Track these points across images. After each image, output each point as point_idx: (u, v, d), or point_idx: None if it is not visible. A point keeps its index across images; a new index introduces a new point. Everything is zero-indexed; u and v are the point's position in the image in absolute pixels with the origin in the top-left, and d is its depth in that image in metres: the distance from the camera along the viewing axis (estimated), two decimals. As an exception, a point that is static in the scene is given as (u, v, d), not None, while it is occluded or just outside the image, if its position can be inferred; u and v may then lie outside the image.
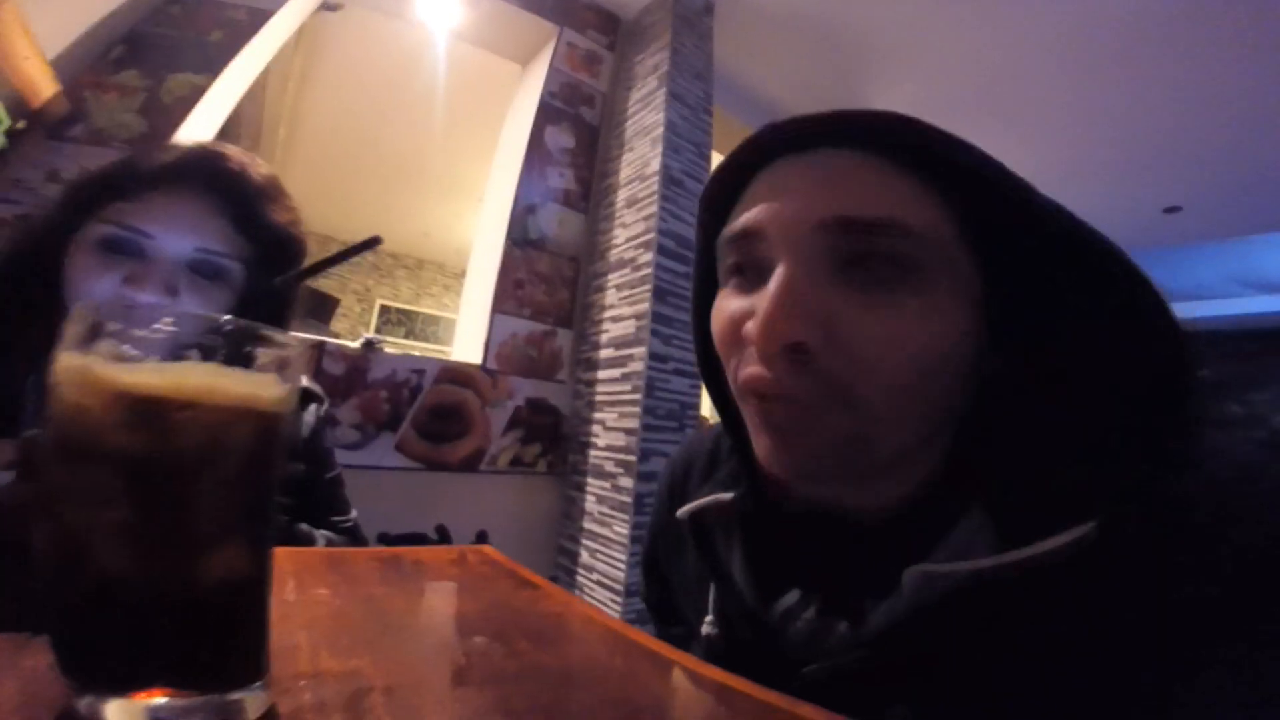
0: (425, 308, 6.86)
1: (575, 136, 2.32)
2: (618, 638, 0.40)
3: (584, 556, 1.92)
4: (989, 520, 0.33)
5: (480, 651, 0.36)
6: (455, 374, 1.89)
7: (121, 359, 0.24)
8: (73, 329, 0.24)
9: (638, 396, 1.84)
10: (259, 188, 0.72)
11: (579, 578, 1.90)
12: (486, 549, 0.64)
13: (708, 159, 2.19)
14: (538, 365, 2.08)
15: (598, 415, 2.01)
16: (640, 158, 2.14)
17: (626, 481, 1.81)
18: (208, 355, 0.25)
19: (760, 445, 0.38)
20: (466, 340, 2.10)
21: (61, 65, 1.39)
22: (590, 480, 1.97)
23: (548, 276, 2.15)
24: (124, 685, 0.23)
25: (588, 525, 1.94)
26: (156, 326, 0.25)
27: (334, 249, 0.45)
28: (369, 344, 1.78)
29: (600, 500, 1.91)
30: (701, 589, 0.48)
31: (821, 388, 0.34)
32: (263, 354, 0.26)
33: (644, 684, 0.34)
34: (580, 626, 0.43)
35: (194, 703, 0.24)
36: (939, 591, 0.32)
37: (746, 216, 0.38)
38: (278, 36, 1.92)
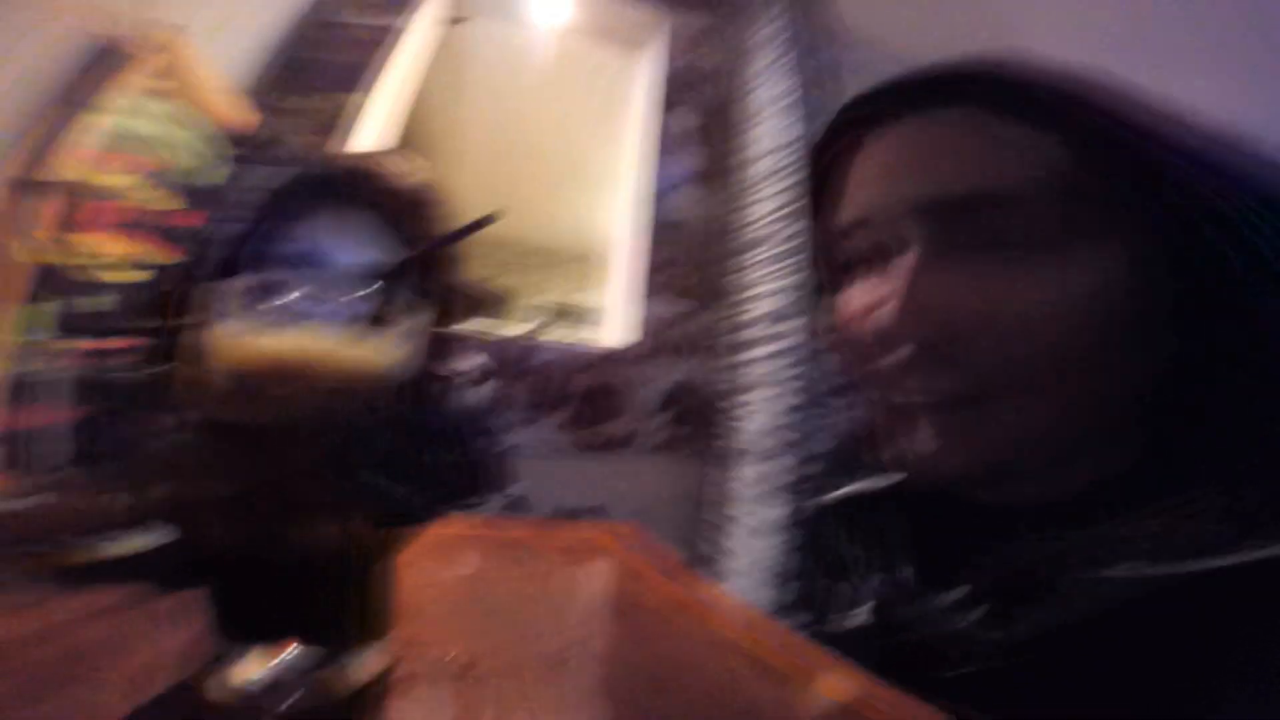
0: (591, 301, 7.24)
1: (699, 116, 2.29)
2: (736, 634, 0.37)
3: (734, 540, 1.89)
4: (1210, 514, 0.29)
5: (599, 634, 0.36)
6: (609, 357, 1.95)
7: (255, 330, 0.25)
8: (216, 305, 0.26)
9: (795, 372, 1.76)
10: (413, 200, 0.78)
11: (727, 563, 1.88)
12: (628, 529, 0.64)
13: None
14: (686, 345, 2.08)
15: (750, 394, 1.96)
16: (773, 128, 2.04)
17: (781, 463, 1.73)
18: (331, 324, 0.26)
19: (888, 444, 0.36)
20: (615, 325, 2.16)
21: (243, 96, 1.62)
22: (741, 462, 1.93)
23: (689, 257, 2.14)
24: (262, 638, 0.25)
25: (737, 509, 1.90)
26: (287, 298, 0.26)
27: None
28: (527, 334, 1.91)
29: (752, 483, 1.86)
30: (855, 578, 0.45)
31: (968, 383, 0.32)
32: (380, 321, 0.27)
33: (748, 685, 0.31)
34: (704, 620, 0.40)
35: (318, 656, 0.25)
36: (1140, 591, 0.29)
37: (846, 210, 0.37)
38: (414, 52, 2.11)
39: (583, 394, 1.90)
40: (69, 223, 1.12)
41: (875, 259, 0.36)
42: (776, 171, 1.98)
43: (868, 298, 0.35)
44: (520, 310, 6.89)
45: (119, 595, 0.30)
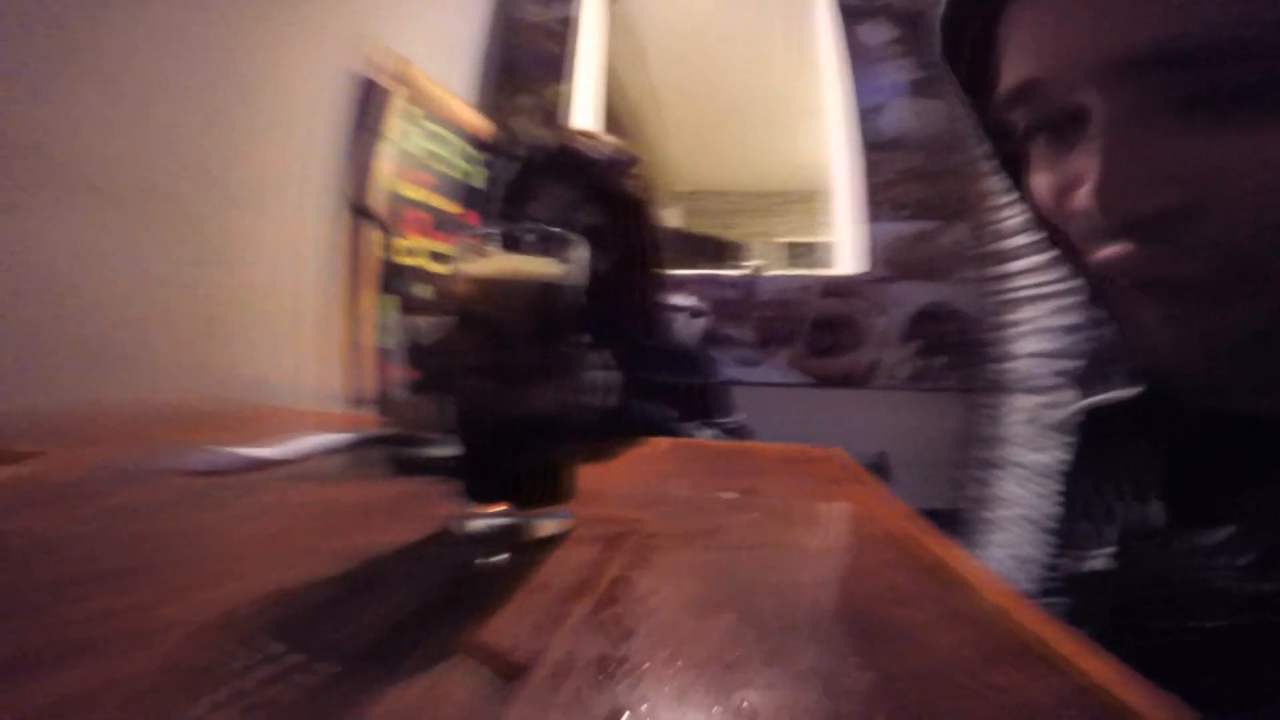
0: (825, 236, 6.89)
1: (894, 26, 1.99)
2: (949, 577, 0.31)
3: (1003, 487, 1.67)
4: None
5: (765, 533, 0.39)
6: (839, 286, 1.88)
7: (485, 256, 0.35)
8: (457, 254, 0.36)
9: (1069, 284, 1.47)
10: (607, 166, 0.88)
11: (994, 512, 1.67)
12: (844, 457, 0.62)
13: None
14: (931, 266, 1.87)
15: (1017, 314, 1.69)
16: None
17: (1065, 395, 1.47)
18: (520, 250, 0.35)
19: (1144, 337, 0.30)
20: (845, 253, 2.05)
21: (476, 105, 1.89)
22: (1013, 396, 1.69)
23: (921, 171, 1.90)
24: (482, 501, 0.34)
25: (1009, 451, 1.67)
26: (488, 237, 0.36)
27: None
28: (755, 269, 1.93)
29: (1030, 420, 1.62)
30: (1098, 512, 0.40)
31: (1212, 259, 0.26)
32: (554, 248, 0.35)
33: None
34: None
35: (518, 516, 0.34)
36: None
37: (1023, 66, 0.30)
38: (592, 32, 2.20)
39: (813, 325, 1.86)
40: (394, 229, 1.48)
41: (1060, 125, 0.30)
42: None
43: (1065, 169, 0.30)
44: (750, 253, 6.89)
45: (431, 481, 0.42)
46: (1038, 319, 1.60)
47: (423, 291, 1.50)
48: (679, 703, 0.18)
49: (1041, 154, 0.32)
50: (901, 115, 1.97)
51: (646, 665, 0.20)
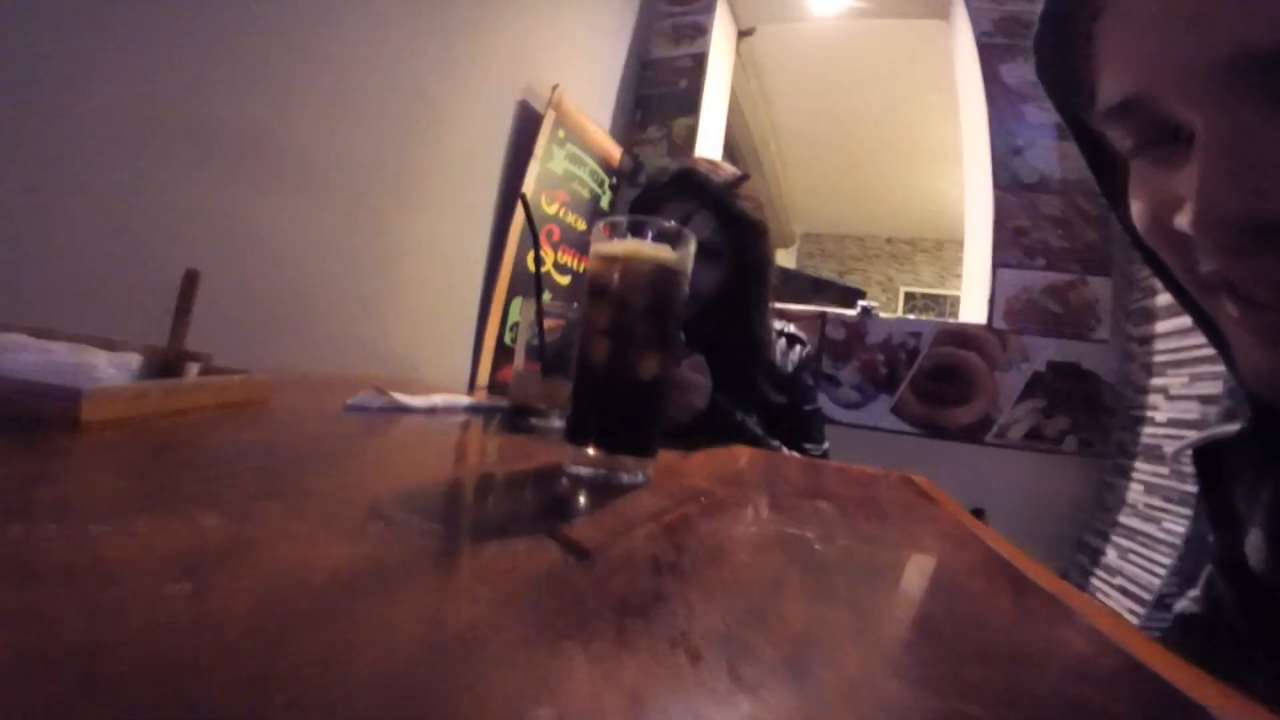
0: (951, 289, 6.52)
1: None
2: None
3: (1110, 556, 1.51)
4: None
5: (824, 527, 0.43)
6: (956, 335, 1.80)
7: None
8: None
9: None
10: (723, 186, 0.95)
11: (1096, 579, 1.51)
12: (924, 481, 0.62)
13: None
14: (1063, 321, 1.75)
15: (1158, 381, 1.54)
16: None
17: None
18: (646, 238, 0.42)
19: (1253, 362, 0.28)
20: (970, 300, 1.96)
21: (612, 133, 2.05)
22: (1139, 464, 1.53)
23: (1061, 218, 1.79)
24: (580, 441, 0.41)
25: (1125, 519, 1.51)
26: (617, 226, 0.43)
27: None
28: (865, 310, 1.90)
29: (1149, 490, 1.46)
30: (1190, 550, 0.40)
31: None
32: (669, 238, 0.42)
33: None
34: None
35: (607, 458, 0.40)
36: None
37: (1118, 84, 0.29)
38: (720, 70, 2.29)
39: (924, 373, 1.79)
40: (535, 242, 1.64)
41: (1164, 140, 0.28)
42: None
43: (1167, 185, 0.28)
44: (888, 306, 6.65)
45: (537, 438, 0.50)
46: (1177, 384, 1.45)
47: (549, 297, 1.64)
48: (711, 599, 0.23)
49: (1144, 173, 0.30)
50: (1043, 158, 1.88)
51: (693, 571, 0.25)
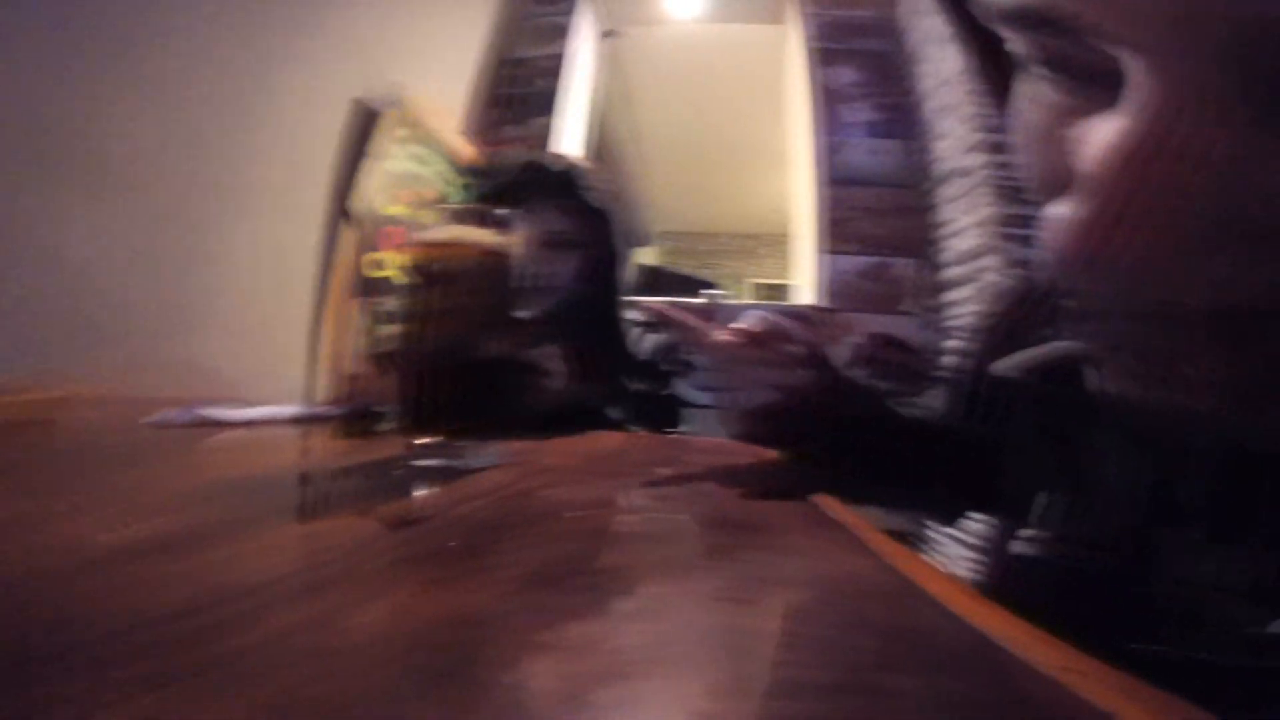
0: (792, 279, 7.09)
1: (859, 69, 2.22)
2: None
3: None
4: None
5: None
6: (792, 316, 1.98)
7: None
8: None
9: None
10: (569, 176, 0.97)
11: (929, 530, 1.75)
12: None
13: None
14: (878, 298, 2.00)
15: (952, 344, 1.81)
16: (935, 64, 1.92)
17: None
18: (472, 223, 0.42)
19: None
20: (802, 285, 2.17)
21: (465, 132, 2.02)
22: (950, 416, 1.79)
23: (873, 209, 2.05)
24: (417, 430, 0.41)
25: None
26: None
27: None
28: (711, 299, 2.02)
29: None
30: (1025, 484, 0.36)
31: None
32: (495, 224, 0.42)
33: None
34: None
35: (446, 445, 0.40)
36: None
37: None
38: (581, 71, 2.36)
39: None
40: (372, 244, 1.55)
41: (1080, 69, 0.21)
42: (949, 107, 1.84)
43: (1075, 119, 0.21)
44: (723, 289, 7.06)
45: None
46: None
47: (392, 301, 1.55)
48: (502, 537, 0.25)
49: (1051, 85, 0.23)
50: (856, 155, 2.12)
51: (515, 530, 0.27)
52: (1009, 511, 0.38)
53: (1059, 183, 0.22)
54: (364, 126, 1.55)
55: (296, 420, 0.65)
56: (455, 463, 0.40)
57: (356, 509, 0.29)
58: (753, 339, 0.46)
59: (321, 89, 1.45)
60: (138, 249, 1.04)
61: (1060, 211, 0.21)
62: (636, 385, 1.03)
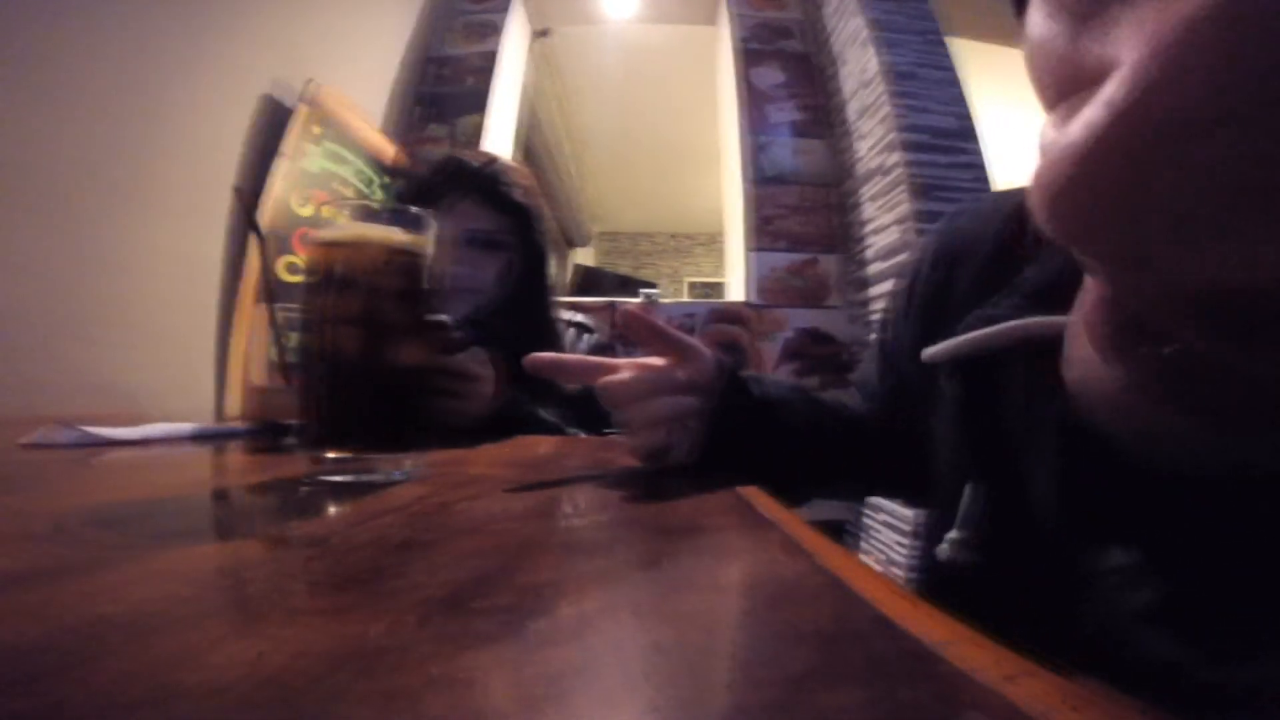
0: (725, 277, 7.25)
1: (784, 70, 2.32)
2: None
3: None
4: None
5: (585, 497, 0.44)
6: (725, 313, 2.01)
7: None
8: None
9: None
10: (490, 173, 0.94)
11: (865, 519, 1.82)
12: None
13: (943, 45, 1.91)
14: (806, 293, 2.06)
15: (875, 335, 1.89)
16: (857, 65, 2.03)
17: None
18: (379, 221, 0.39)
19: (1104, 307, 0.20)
20: (734, 283, 2.20)
21: (386, 131, 1.95)
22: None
23: (798, 207, 2.12)
24: (319, 445, 0.37)
25: None
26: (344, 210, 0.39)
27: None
28: (648, 299, 2.03)
29: None
30: (952, 479, 0.34)
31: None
32: (405, 221, 0.39)
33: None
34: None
35: (353, 460, 0.37)
36: None
37: None
38: (511, 70, 2.32)
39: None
40: (281, 244, 1.46)
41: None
42: (869, 107, 1.92)
43: (1085, 41, 0.16)
44: (676, 295, 7.15)
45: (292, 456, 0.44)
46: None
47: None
48: (411, 557, 0.23)
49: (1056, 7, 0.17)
50: (781, 155, 2.18)
51: (432, 545, 0.25)
52: (939, 504, 0.37)
53: (1085, 79, 0.15)
54: (274, 124, 1.46)
55: (197, 438, 0.59)
56: (367, 478, 0.37)
57: (249, 532, 0.26)
58: (638, 382, 0.46)
59: (232, 87, 1.35)
60: (21, 255, 0.93)
61: (1080, 120, 0.14)
62: (570, 387, 1.01)
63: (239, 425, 0.67)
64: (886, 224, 1.85)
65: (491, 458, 0.51)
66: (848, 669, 0.13)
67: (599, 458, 0.55)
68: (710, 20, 2.68)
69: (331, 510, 0.30)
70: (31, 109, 0.94)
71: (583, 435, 0.95)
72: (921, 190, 1.73)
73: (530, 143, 2.77)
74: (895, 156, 1.81)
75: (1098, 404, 0.25)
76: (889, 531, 1.69)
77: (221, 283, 1.34)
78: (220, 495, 0.36)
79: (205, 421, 0.65)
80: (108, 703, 0.11)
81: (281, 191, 1.45)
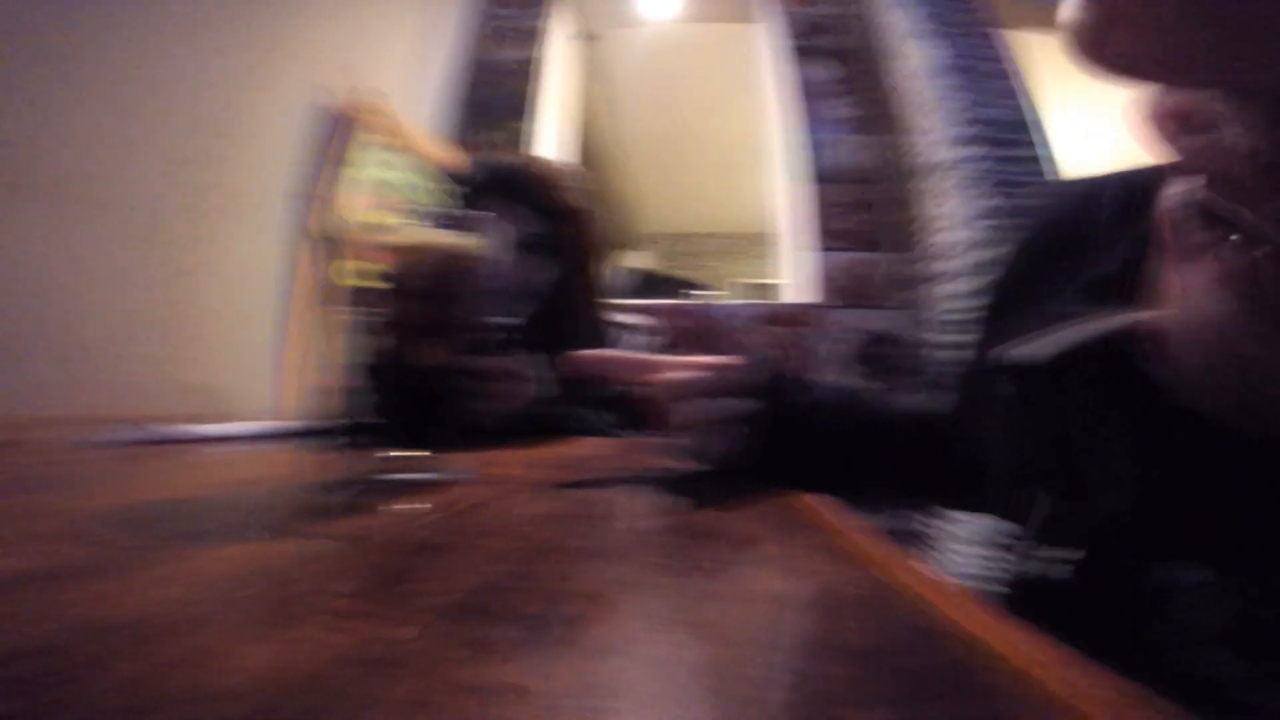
0: (775, 278, 7.12)
1: (833, 66, 2.24)
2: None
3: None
4: None
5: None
6: (779, 315, 1.96)
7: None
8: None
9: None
10: (539, 179, 0.95)
11: (940, 527, 1.74)
12: None
13: (997, 37, 1.82)
14: (865, 294, 1.98)
15: (946, 337, 1.80)
16: (910, 60, 1.98)
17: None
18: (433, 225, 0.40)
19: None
20: (791, 283, 2.16)
21: (435, 137, 2.01)
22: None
23: (855, 204, 2.05)
24: (372, 444, 0.38)
25: None
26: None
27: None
28: (702, 299, 2.01)
29: None
30: (1012, 485, 0.32)
31: None
32: (463, 226, 0.40)
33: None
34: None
35: (403, 458, 0.38)
36: None
37: None
38: (555, 74, 2.36)
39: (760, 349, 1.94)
40: (348, 252, 1.52)
41: None
42: (923, 102, 1.85)
43: None
44: (711, 293, 7.08)
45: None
46: (964, 338, 1.71)
47: (370, 311, 1.53)
48: (443, 557, 0.23)
49: None
50: (840, 149, 2.12)
51: (459, 547, 0.25)
52: (1006, 513, 0.35)
53: None
54: (331, 134, 1.53)
55: (259, 437, 0.62)
56: (415, 476, 0.38)
57: (292, 531, 0.27)
58: (687, 383, 0.44)
59: (289, 98, 1.42)
60: (102, 264, 1.01)
61: None
62: (615, 388, 1.01)
63: (300, 424, 0.70)
64: (952, 221, 1.76)
65: (534, 458, 0.51)
66: (891, 685, 0.12)
67: (642, 460, 0.54)
68: (752, 18, 2.65)
69: (379, 508, 0.31)
70: (116, 131, 1.01)
71: (628, 437, 0.95)
72: (987, 185, 1.66)
73: (584, 146, 2.80)
74: (957, 151, 1.74)
75: (1190, 399, 0.23)
76: (963, 542, 1.61)
77: (282, 287, 1.42)
78: (270, 493, 0.37)
79: (271, 420, 0.68)
80: (138, 700, 0.11)
81: (336, 199, 1.52)
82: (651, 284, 2.70)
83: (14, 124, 0.87)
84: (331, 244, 1.46)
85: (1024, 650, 0.15)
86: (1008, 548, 0.37)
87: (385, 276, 0.39)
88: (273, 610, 0.17)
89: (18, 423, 0.52)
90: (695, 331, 1.96)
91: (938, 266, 1.84)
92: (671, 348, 1.95)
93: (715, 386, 0.44)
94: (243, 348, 1.32)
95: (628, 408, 1.02)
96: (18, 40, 0.87)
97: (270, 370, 1.36)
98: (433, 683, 0.13)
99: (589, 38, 2.84)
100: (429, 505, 0.31)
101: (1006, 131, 1.73)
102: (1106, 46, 0.16)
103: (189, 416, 0.77)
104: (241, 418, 0.67)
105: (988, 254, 1.64)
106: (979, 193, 1.67)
